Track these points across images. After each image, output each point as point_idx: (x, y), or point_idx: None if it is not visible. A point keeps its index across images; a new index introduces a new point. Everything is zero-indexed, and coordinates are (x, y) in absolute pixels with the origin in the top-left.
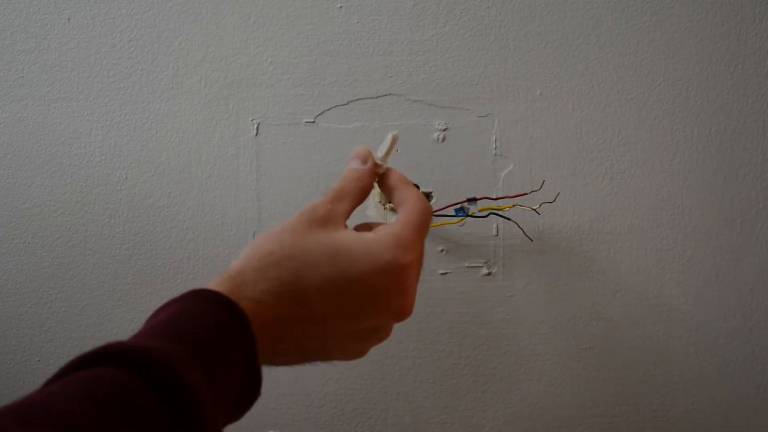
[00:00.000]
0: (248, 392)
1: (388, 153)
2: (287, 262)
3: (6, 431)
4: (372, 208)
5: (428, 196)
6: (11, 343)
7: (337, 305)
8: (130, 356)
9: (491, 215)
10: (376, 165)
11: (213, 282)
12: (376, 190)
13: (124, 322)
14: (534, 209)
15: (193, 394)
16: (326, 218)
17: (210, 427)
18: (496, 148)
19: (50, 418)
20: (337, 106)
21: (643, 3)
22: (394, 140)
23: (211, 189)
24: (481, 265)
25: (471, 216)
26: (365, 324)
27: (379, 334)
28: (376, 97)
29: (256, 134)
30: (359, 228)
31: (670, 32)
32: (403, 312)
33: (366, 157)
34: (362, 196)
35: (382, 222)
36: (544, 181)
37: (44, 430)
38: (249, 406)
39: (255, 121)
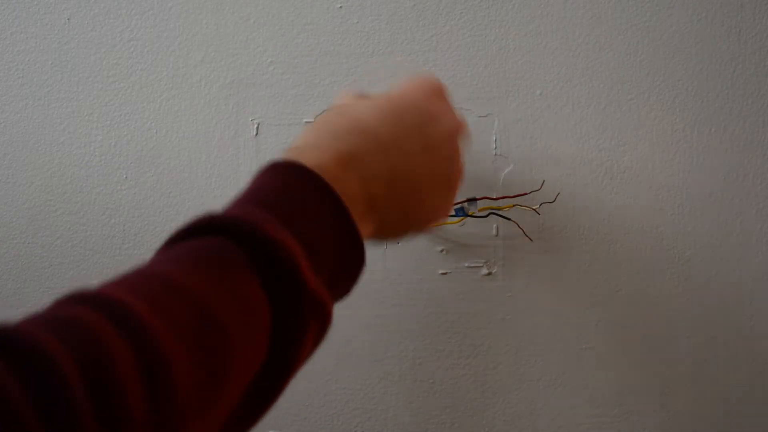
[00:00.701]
0: (351, 252)
1: None
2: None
3: (129, 305)
4: None
5: None
6: None
7: (379, 113)
8: (230, 227)
9: (491, 215)
10: None
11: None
12: None
13: None
14: (534, 209)
15: (285, 250)
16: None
17: (313, 288)
18: (496, 148)
19: (163, 286)
20: None
21: (643, 3)
22: None
23: (211, 189)
24: (481, 265)
25: (471, 216)
26: (410, 108)
27: (441, 123)
28: None
29: (256, 134)
30: None
31: (670, 32)
32: (430, 79)
33: None
34: None
35: None
36: (544, 181)
37: (159, 299)
38: (356, 268)
39: (255, 121)
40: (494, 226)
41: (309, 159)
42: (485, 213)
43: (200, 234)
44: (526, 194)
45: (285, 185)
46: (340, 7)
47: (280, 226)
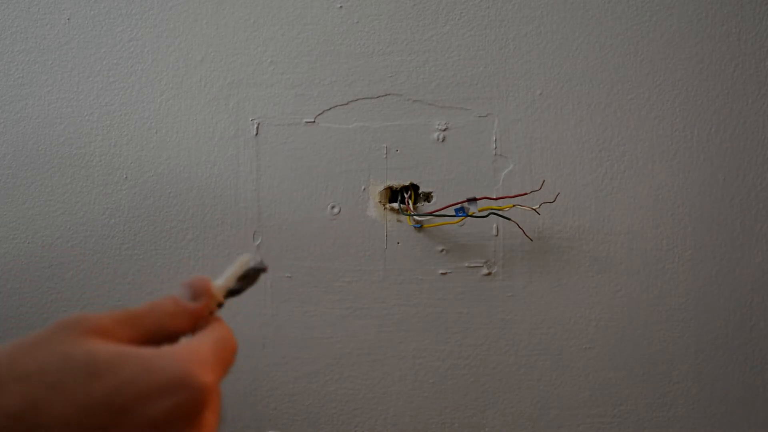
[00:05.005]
0: None
1: (234, 278)
2: (17, 387)
3: None
4: (372, 208)
5: (428, 196)
6: None
7: None
8: None
9: (491, 215)
10: (211, 299)
11: None
12: (376, 189)
13: None
14: (534, 209)
15: None
16: (93, 330)
17: None
18: (496, 148)
19: None
20: (337, 106)
21: (643, 3)
22: (242, 265)
23: (211, 189)
24: (481, 265)
25: (471, 216)
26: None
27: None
28: (376, 97)
29: (256, 134)
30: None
31: (670, 32)
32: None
33: (199, 293)
34: (164, 333)
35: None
36: (544, 181)
37: None
38: None
39: (255, 121)
40: (494, 226)
41: None
42: (485, 213)
43: None
44: (526, 194)
45: None
46: (340, 7)
47: None
